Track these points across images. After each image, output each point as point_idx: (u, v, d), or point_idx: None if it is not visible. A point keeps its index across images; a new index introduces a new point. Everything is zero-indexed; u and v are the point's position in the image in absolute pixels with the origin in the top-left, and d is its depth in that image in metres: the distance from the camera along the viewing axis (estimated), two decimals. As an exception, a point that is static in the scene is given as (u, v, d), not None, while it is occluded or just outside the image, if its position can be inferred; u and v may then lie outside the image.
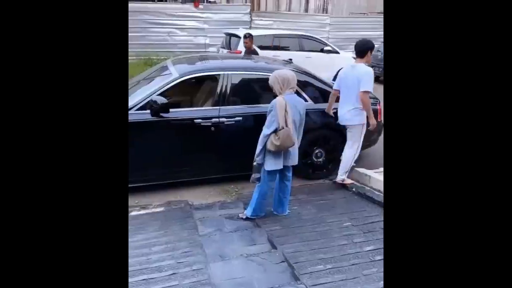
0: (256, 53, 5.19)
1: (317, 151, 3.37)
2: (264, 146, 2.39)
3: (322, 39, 7.92)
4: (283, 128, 2.30)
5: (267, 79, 3.08)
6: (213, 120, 2.99)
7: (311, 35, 7.73)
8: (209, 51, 9.27)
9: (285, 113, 2.31)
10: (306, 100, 3.07)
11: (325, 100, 3.33)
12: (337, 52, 7.62)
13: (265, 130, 2.39)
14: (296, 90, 2.52)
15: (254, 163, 2.46)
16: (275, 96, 2.46)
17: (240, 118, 3.05)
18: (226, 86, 3.06)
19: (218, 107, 3.03)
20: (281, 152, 2.41)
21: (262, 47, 6.90)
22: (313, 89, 3.33)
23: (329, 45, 7.62)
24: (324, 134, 3.35)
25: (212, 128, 2.99)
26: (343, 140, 3.38)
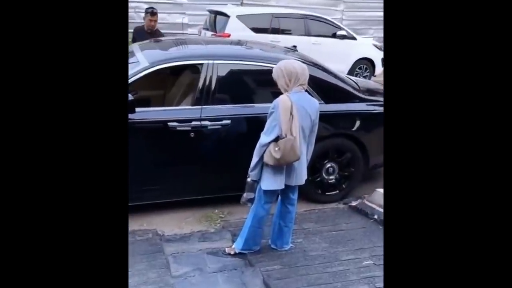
0: (162, 35, 4.72)
1: (328, 165, 3.38)
2: (262, 158, 2.38)
3: (334, 20, 8.05)
4: (286, 136, 2.30)
5: (265, 71, 3.08)
6: (193, 123, 2.98)
7: (321, 15, 7.84)
8: (188, 33, 9.31)
9: (291, 116, 2.31)
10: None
11: (339, 99, 3.37)
12: (354, 38, 7.74)
13: (263, 138, 2.38)
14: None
15: (248, 179, 2.45)
16: (277, 93, 2.46)
17: (229, 121, 3.05)
18: (210, 79, 3.07)
19: (199, 107, 3.03)
20: (282, 167, 2.41)
21: (257, 30, 6.97)
22: (324, 85, 3.36)
23: (343, 29, 7.74)
24: (337, 144, 3.37)
25: (192, 134, 2.98)
26: (362, 151, 3.41)
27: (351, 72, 7.48)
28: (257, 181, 2.46)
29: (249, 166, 2.45)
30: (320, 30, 7.47)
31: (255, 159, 2.40)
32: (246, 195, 2.47)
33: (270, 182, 2.43)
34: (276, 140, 2.33)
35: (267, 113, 2.41)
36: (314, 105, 2.48)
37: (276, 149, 2.30)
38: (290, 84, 2.38)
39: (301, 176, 2.52)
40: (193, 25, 9.31)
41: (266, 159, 2.35)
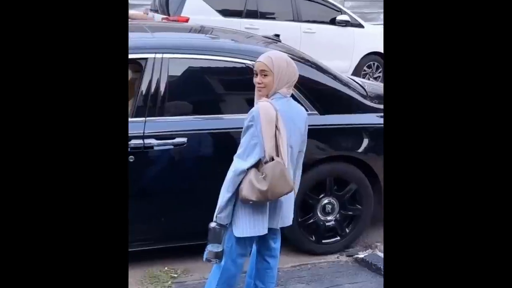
0: None
1: (325, 202, 3.41)
2: (235, 193, 2.37)
3: (333, 1, 8.25)
4: (273, 159, 2.31)
5: (237, 70, 3.10)
6: (133, 142, 2.98)
7: (315, -6, 8.04)
8: (129, 18, 9.32)
9: (276, 130, 2.33)
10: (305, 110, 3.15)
11: (339, 109, 3.45)
12: (360, 25, 7.97)
13: (239, 163, 2.36)
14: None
15: (213, 225, 2.41)
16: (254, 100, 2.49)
17: (185, 139, 3.05)
18: (158, 80, 3.08)
19: (142, 119, 3.04)
20: (266, 204, 2.41)
21: (226, 13, 7.06)
22: (318, 90, 3.41)
23: (345, 13, 7.95)
24: (337, 171, 3.42)
25: (131, 158, 2.97)
26: (372, 180, 3.46)
27: (357, 71, 7.66)
28: (225, 226, 2.44)
29: (214, 204, 2.43)
30: (314, 14, 7.66)
31: (225, 195, 2.36)
32: (210, 248, 2.40)
33: (248, 226, 2.41)
34: (256, 165, 2.34)
35: (241, 128, 2.42)
36: (302, 115, 2.53)
37: (261, 177, 2.29)
38: (275, 84, 2.40)
39: (288, 214, 2.53)
40: (137, 5, 9.36)
41: (246, 193, 2.32)
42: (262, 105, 2.35)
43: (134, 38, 3.48)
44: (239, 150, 2.38)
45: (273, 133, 2.30)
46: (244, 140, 2.38)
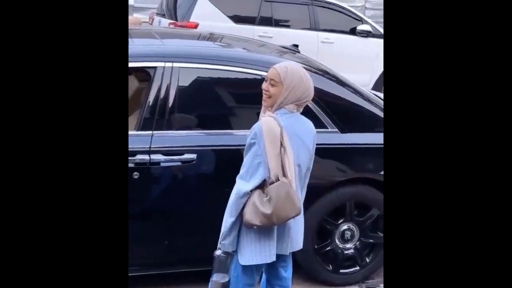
0: None
1: (344, 228, 3.40)
2: (240, 217, 2.38)
3: (353, 9, 8.29)
4: (278, 180, 2.32)
5: (249, 81, 3.10)
6: (138, 158, 3.00)
7: (335, 1, 8.07)
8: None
9: (282, 149, 2.33)
10: (323, 126, 3.14)
11: (361, 127, 3.45)
12: (382, 36, 7.96)
13: (242, 185, 2.38)
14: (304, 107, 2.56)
15: (218, 253, 2.42)
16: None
17: (194, 155, 3.07)
18: (166, 91, 3.10)
19: (148, 133, 3.06)
20: (272, 228, 2.42)
21: (239, 19, 7.11)
22: (338, 106, 3.42)
23: (366, 22, 7.98)
24: (358, 194, 3.42)
25: (135, 175, 2.98)
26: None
27: (378, 86, 7.63)
28: (231, 254, 2.44)
29: (221, 228, 2.44)
30: (332, 23, 7.68)
31: (228, 220, 2.37)
32: (216, 278, 2.41)
33: (253, 253, 2.42)
34: (261, 186, 2.35)
35: None
36: (311, 131, 2.53)
37: (265, 199, 2.31)
38: (281, 97, 2.39)
39: (297, 237, 2.54)
40: (142, 9, 9.46)
41: (249, 217, 2.33)
42: (265, 121, 2.36)
43: (142, 44, 3.54)
44: (242, 171, 2.40)
45: (278, 151, 2.31)
46: (246, 160, 2.39)
